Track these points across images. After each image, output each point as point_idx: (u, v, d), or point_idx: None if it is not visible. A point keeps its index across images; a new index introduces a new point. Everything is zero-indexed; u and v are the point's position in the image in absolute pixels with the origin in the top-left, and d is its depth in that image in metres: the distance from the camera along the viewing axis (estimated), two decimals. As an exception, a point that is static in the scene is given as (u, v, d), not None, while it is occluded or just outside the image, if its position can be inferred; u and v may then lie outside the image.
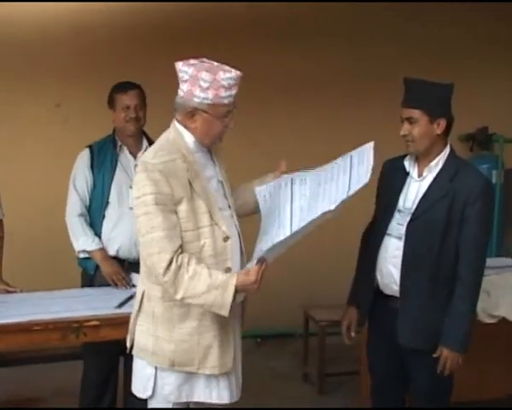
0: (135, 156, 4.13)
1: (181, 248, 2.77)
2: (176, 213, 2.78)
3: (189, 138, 2.88)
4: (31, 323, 3.45)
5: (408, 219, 3.26)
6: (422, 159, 3.32)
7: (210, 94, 2.76)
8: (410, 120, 3.24)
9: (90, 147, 4.17)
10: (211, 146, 2.97)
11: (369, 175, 2.77)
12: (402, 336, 3.29)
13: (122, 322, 3.54)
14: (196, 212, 2.81)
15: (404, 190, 3.33)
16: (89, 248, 4.10)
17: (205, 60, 2.84)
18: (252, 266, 2.78)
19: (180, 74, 2.82)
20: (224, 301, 2.72)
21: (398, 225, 3.30)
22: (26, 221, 5.44)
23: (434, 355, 3.22)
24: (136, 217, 2.84)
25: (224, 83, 2.76)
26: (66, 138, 5.50)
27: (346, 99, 6.17)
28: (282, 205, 2.95)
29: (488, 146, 6.57)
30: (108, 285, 4.06)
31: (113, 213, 4.10)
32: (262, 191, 3.06)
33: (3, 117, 5.57)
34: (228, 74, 2.77)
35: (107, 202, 4.10)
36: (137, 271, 3.99)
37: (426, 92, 3.24)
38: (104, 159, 4.11)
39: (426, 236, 3.23)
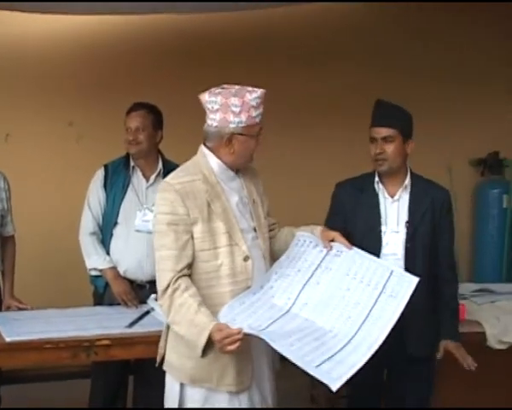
0: (148, 179, 4.16)
1: (186, 270, 2.83)
2: (190, 233, 2.84)
3: (214, 161, 2.93)
4: (42, 341, 3.45)
5: (398, 238, 3.42)
6: (391, 179, 3.48)
7: (243, 117, 2.85)
8: (387, 139, 3.40)
9: (106, 166, 4.20)
10: (244, 166, 3.02)
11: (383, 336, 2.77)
12: (412, 348, 3.43)
13: (132, 342, 3.60)
14: (214, 232, 2.86)
15: (382, 211, 3.46)
16: (100, 267, 4.13)
17: (225, 86, 2.90)
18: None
19: (208, 105, 2.88)
20: (197, 342, 2.73)
21: (389, 245, 3.42)
22: (39, 238, 5.47)
23: (439, 356, 3.46)
24: (153, 234, 2.94)
25: (253, 103, 2.85)
26: (79, 157, 5.54)
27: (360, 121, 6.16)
28: (307, 266, 2.99)
29: (499, 171, 6.56)
30: (118, 304, 4.08)
31: (120, 233, 4.14)
32: (301, 237, 3.09)
33: (17, 135, 5.61)
34: (254, 94, 2.86)
35: (116, 222, 4.13)
36: (144, 293, 4.09)
37: (399, 114, 3.45)
38: (117, 179, 4.14)
39: (422, 253, 3.42)
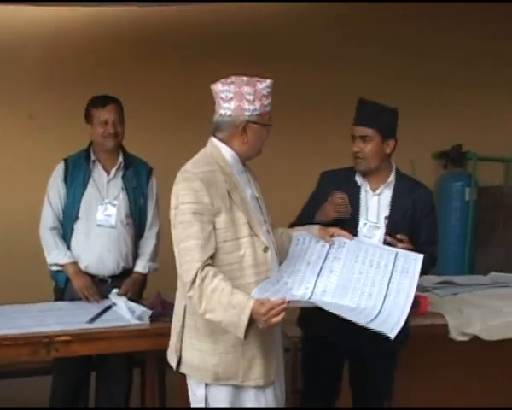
0: (108, 172, 4.11)
1: (211, 260, 2.78)
2: (213, 223, 2.80)
3: (227, 152, 2.91)
4: (0, 337, 3.41)
5: (377, 232, 3.43)
6: (373, 175, 3.51)
7: (257, 105, 2.86)
8: (365, 138, 3.43)
9: (66, 160, 4.15)
10: (252, 158, 3.01)
11: (409, 303, 2.92)
12: (387, 343, 3.38)
13: (94, 337, 3.57)
14: (236, 223, 2.84)
15: (363, 204, 3.49)
16: (61, 262, 4.09)
17: (233, 77, 2.90)
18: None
19: (222, 94, 2.86)
20: (239, 322, 2.68)
21: (366, 237, 3.42)
22: (-1, 233, 5.40)
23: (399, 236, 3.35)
24: (172, 227, 2.86)
25: (264, 92, 2.87)
26: (40, 151, 5.44)
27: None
28: (315, 259, 3.07)
29: (462, 164, 6.61)
30: (79, 299, 4.04)
31: (81, 228, 4.09)
32: (300, 237, 3.15)
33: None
34: (264, 84, 2.87)
35: (77, 217, 4.08)
36: (106, 288, 4.06)
37: (379, 114, 3.46)
38: (78, 173, 4.09)
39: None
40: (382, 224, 3.45)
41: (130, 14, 5.52)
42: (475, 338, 4.02)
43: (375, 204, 3.49)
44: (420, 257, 3.06)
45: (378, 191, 3.50)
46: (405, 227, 3.42)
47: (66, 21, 5.57)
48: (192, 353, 2.90)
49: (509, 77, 6.55)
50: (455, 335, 4.00)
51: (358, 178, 3.53)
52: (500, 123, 6.60)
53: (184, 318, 2.92)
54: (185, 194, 2.80)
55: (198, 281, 2.73)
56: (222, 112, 2.88)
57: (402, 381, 3.72)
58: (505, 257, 6.71)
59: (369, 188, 3.51)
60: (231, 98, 2.85)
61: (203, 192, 2.78)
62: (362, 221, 3.46)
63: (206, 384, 2.88)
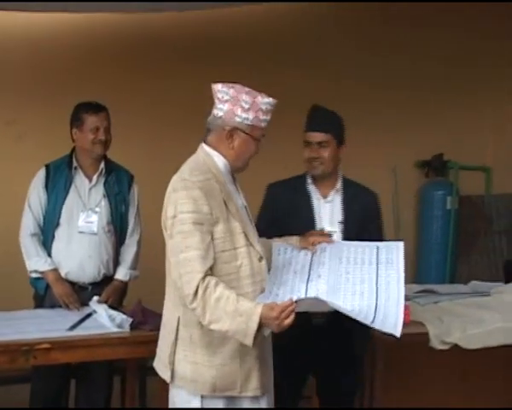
0: (90, 179, 4.10)
1: (210, 271, 2.73)
2: (211, 233, 2.75)
3: (219, 160, 2.87)
4: (-21, 345, 3.38)
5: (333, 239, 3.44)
6: (324, 182, 3.56)
7: (250, 115, 2.82)
8: (322, 144, 3.49)
9: (47, 166, 4.12)
10: (239, 171, 2.97)
11: (402, 286, 2.94)
12: (359, 347, 3.57)
13: (74, 345, 3.54)
14: (233, 232, 2.81)
15: (316, 212, 3.54)
16: (41, 269, 4.06)
17: (237, 84, 2.87)
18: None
19: (219, 94, 2.85)
20: (247, 329, 2.64)
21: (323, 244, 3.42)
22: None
23: None
24: (169, 237, 2.81)
25: (263, 107, 2.83)
26: (19, 157, 5.41)
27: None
28: (301, 267, 3.07)
29: (443, 173, 6.63)
30: (59, 306, 4.01)
31: (62, 235, 4.07)
32: (281, 247, 3.17)
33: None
34: (266, 99, 2.84)
35: (58, 223, 4.06)
36: (86, 295, 4.03)
37: (333, 120, 3.54)
38: (59, 179, 4.06)
39: None
40: (337, 229, 3.50)
41: (113, 20, 5.52)
42: (455, 347, 4.03)
43: (328, 211, 3.55)
44: (401, 244, 3.09)
45: (330, 198, 3.57)
46: (356, 230, 3.46)
47: (50, 27, 5.54)
48: (185, 365, 2.85)
49: (500, 80, 6.60)
50: (435, 343, 4.01)
51: (309, 186, 3.58)
52: (481, 132, 6.65)
53: (178, 330, 2.86)
54: (184, 203, 2.74)
55: (200, 292, 2.68)
56: (215, 112, 2.87)
57: (382, 389, 3.73)
58: (486, 266, 6.75)
59: (319, 195, 3.57)
60: (226, 101, 2.83)
61: (202, 201, 2.73)
62: (317, 228, 3.48)
63: (202, 396, 2.84)
